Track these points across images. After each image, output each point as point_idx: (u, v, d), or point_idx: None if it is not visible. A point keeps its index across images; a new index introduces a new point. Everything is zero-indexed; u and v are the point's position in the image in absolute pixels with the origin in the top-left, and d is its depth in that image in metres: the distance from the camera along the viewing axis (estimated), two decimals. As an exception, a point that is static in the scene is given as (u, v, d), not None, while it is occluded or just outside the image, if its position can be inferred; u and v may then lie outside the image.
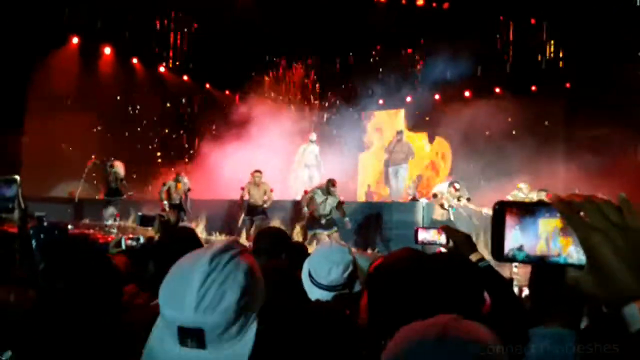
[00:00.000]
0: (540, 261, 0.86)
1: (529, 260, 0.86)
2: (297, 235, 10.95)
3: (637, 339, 0.77)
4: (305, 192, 10.56)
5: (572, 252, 0.83)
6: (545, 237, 0.85)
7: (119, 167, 12.90)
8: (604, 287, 0.80)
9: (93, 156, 13.86)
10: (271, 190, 11.04)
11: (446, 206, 9.85)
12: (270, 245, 2.85)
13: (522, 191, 9.93)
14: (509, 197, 9.72)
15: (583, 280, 0.82)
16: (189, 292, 1.11)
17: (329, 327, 1.51)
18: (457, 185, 10.09)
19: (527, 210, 0.87)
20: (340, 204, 9.99)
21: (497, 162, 13.50)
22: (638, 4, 14.07)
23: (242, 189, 11.10)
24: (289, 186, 14.14)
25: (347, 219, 9.99)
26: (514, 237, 0.86)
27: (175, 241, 2.52)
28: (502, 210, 0.88)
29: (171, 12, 17.78)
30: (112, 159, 13.11)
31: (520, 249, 0.86)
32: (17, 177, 2.07)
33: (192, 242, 2.42)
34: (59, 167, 14.95)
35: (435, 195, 10.17)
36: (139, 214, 6.94)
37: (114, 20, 15.77)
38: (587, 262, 0.81)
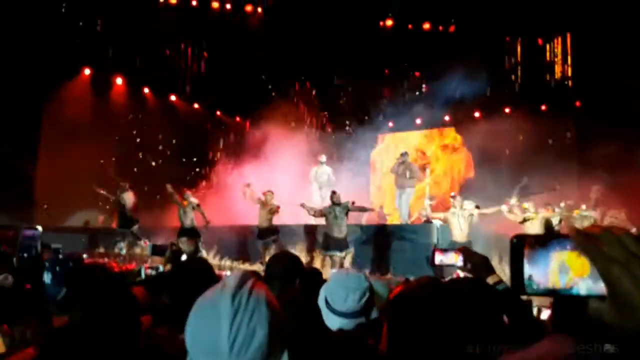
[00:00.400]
0: (551, 293, 0.86)
1: (540, 292, 0.86)
2: (317, 257, 10.91)
3: None
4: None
5: (583, 284, 0.83)
6: (557, 269, 0.85)
7: (128, 196, 12.90)
8: (627, 318, 0.79)
9: (98, 188, 13.79)
10: (277, 208, 11.08)
11: (456, 219, 9.81)
12: (283, 271, 2.81)
13: (529, 210, 9.81)
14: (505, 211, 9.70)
15: (605, 311, 0.81)
16: (221, 337, 1.10)
17: (354, 358, 1.50)
18: (452, 194, 10.31)
19: (540, 243, 0.87)
20: (352, 205, 10.10)
21: (510, 181, 13.45)
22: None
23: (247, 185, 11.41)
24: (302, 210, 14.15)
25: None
26: (527, 269, 0.87)
27: (188, 273, 2.50)
28: (520, 243, 0.89)
29: (180, 41, 18.03)
30: (126, 185, 13.15)
31: (530, 278, 0.87)
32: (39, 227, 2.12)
33: (205, 274, 2.40)
34: (73, 197, 15.05)
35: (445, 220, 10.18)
36: (150, 243, 6.97)
37: (124, 51, 16.04)
38: (608, 293, 0.80)
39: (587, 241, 0.82)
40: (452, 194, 10.56)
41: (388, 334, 1.54)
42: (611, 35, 13.45)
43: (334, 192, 10.28)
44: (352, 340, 1.82)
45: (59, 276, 2.19)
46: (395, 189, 12.92)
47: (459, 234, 9.78)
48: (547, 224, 9.66)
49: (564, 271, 0.85)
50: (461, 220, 9.77)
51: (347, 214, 10.08)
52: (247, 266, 11.32)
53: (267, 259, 10.51)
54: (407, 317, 1.39)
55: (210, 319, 1.13)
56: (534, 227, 9.48)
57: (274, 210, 11.01)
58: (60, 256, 6.18)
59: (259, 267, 10.25)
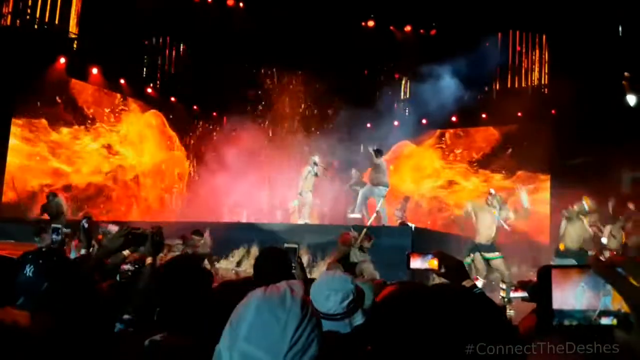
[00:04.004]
0: (580, 323, 0.86)
1: (570, 321, 0.86)
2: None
3: None
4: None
5: (610, 314, 0.83)
6: (584, 300, 0.86)
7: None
8: None
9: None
10: None
11: (487, 215, 9.19)
12: (272, 269, 2.77)
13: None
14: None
15: (633, 341, 0.80)
16: (284, 338, 1.13)
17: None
18: (491, 191, 9.66)
19: (568, 274, 0.88)
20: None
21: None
22: (621, 34, 14.48)
23: None
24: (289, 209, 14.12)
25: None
26: (555, 300, 0.88)
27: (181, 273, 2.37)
28: (547, 274, 0.90)
29: (159, 34, 17.86)
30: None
31: (559, 308, 0.87)
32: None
33: (198, 271, 2.32)
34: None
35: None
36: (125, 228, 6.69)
37: (102, 42, 15.82)
38: (636, 323, 0.79)
39: (611, 272, 0.82)
40: (492, 190, 9.76)
41: (375, 337, 1.56)
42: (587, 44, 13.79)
43: (370, 238, 8.73)
44: (347, 345, 1.81)
45: (42, 270, 2.16)
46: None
47: (486, 233, 9.26)
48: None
49: (591, 300, 0.85)
50: (490, 219, 9.26)
51: None
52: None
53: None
54: (397, 321, 1.40)
55: (279, 317, 1.15)
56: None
57: None
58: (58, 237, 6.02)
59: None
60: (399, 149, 18.71)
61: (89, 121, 16.64)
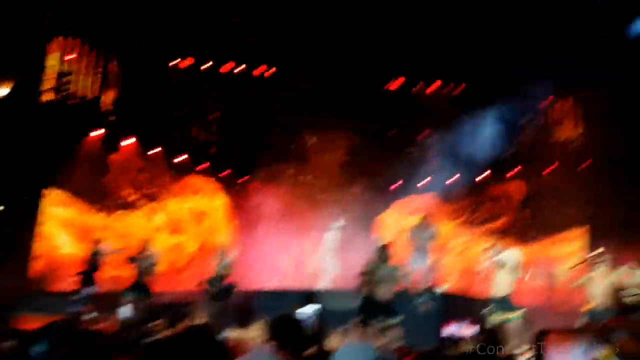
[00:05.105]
0: None
1: None
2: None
3: None
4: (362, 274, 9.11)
5: None
6: None
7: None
8: None
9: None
10: None
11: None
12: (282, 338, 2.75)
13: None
14: None
15: None
16: None
17: None
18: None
19: (565, 337, 0.83)
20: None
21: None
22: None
23: None
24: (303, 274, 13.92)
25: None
26: None
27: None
28: (544, 336, 0.84)
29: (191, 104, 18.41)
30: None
31: None
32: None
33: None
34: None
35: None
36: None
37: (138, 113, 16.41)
38: None
39: (607, 335, 0.77)
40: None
41: None
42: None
43: (388, 245, 9.11)
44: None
45: (54, 346, 2.08)
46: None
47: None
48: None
49: None
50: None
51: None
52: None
53: None
54: None
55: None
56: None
57: None
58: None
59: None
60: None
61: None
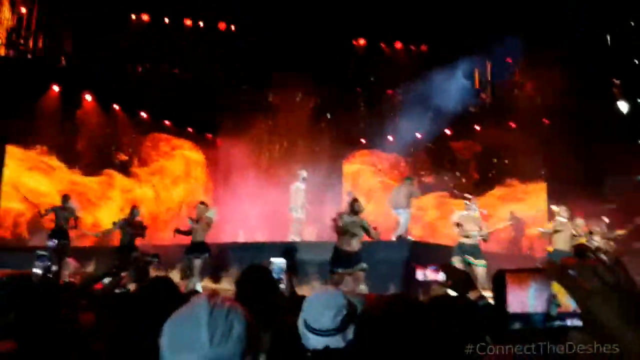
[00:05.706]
0: (535, 326, 0.89)
1: (524, 326, 0.89)
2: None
3: None
4: (334, 221, 8.77)
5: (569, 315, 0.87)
6: (539, 302, 0.89)
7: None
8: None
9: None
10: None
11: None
12: (253, 286, 2.74)
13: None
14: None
15: (584, 341, 0.83)
16: (201, 330, 1.14)
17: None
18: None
19: (522, 278, 0.92)
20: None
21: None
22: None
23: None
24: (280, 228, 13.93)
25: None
26: (510, 304, 0.91)
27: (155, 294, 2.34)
28: (502, 277, 0.93)
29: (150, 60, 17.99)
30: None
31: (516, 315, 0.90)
32: None
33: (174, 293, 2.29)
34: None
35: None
36: None
37: (93, 68, 15.89)
38: (586, 324, 0.82)
39: (561, 274, 0.84)
40: (468, 195, 10.25)
41: (361, 349, 1.50)
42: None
43: (356, 199, 8.88)
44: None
45: (7, 299, 2.03)
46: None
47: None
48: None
49: (553, 303, 0.88)
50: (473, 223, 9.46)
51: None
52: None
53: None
54: (375, 334, 1.37)
55: (188, 318, 1.18)
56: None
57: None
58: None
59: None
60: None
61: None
